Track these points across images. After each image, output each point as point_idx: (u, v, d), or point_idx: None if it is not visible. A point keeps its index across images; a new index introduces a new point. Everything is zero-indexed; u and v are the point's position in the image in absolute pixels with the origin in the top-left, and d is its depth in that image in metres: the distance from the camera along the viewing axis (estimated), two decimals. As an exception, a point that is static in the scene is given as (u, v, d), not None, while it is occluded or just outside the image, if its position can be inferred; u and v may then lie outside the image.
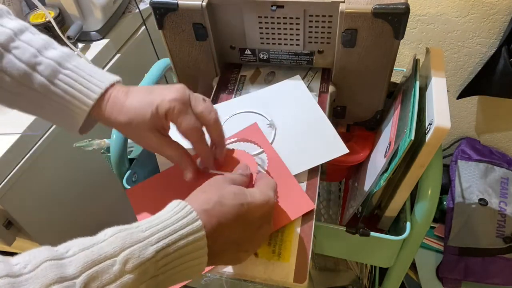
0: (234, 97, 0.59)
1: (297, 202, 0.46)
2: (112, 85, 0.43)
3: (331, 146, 0.51)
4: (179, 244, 0.31)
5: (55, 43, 0.44)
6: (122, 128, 0.43)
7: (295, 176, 0.49)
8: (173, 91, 0.41)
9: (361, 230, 0.53)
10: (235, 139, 0.51)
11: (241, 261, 0.39)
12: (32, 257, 0.28)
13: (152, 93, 0.42)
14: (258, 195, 0.38)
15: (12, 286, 0.26)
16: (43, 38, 0.43)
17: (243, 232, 0.36)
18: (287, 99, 0.57)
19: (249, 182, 0.43)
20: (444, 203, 1.01)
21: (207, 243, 0.33)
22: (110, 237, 0.30)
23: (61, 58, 0.42)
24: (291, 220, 0.45)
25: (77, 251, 0.29)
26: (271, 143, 0.52)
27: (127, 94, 0.43)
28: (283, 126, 0.53)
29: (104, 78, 0.43)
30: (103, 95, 0.42)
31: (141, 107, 0.41)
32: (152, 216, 0.33)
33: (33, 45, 0.41)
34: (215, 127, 0.43)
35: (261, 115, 0.55)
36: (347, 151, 0.50)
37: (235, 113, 0.56)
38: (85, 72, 0.43)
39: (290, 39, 0.57)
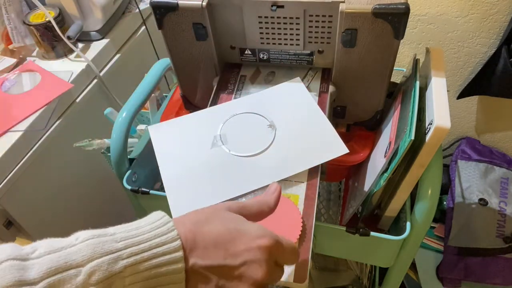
0: (234, 97, 0.59)
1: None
2: None
3: (331, 146, 0.51)
4: (151, 262, 0.28)
5: None
6: None
7: (295, 175, 0.49)
8: None
9: (361, 230, 0.53)
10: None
11: None
12: None
13: None
14: (254, 228, 0.33)
15: None
16: None
17: (222, 260, 0.31)
18: (287, 100, 0.57)
19: (266, 214, 0.37)
20: (444, 203, 1.01)
21: (184, 267, 0.29)
22: (81, 243, 0.28)
23: None
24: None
25: (43, 253, 0.27)
26: (271, 143, 0.52)
27: None
28: (283, 126, 0.53)
29: None
30: None
31: None
32: (129, 225, 0.31)
33: None
34: None
35: (261, 116, 0.55)
36: (347, 151, 0.50)
37: (235, 113, 0.56)
38: None
39: (290, 39, 0.57)
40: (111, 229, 0.30)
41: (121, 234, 0.29)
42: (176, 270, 0.29)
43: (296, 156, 0.50)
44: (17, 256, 0.26)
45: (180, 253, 0.29)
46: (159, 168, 0.51)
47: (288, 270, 0.42)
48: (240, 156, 0.51)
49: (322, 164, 0.50)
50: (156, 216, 0.31)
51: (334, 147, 0.51)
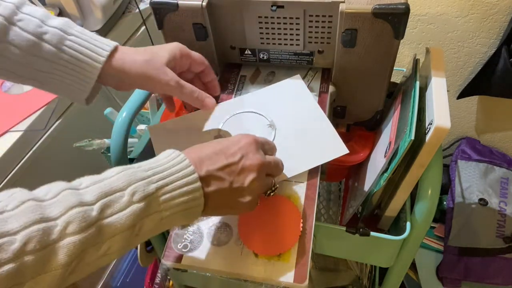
0: (234, 97, 0.59)
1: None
2: (116, 47, 0.48)
3: (331, 146, 0.51)
4: (175, 184, 0.35)
5: (52, 15, 0.47)
6: (139, 67, 0.46)
7: (295, 175, 0.49)
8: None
9: (361, 230, 0.53)
10: None
11: (238, 207, 0.41)
12: (51, 187, 0.32)
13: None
14: (236, 136, 0.43)
15: (39, 206, 0.29)
16: (41, 9, 0.46)
17: (225, 161, 0.39)
18: (287, 99, 0.57)
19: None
20: (444, 203, 1.01)
21: (200, 185, 0.37)
22: (117, 174, 0.34)
23: (64, 25, 0.45)
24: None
25: (90, 184, 0.33)
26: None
27: (133, 48, 0.49)
28: (283, 126, 0.53)
29: (107, 41, 0.48)
30: (112, 53, 0.47)
31: (157, 49, 0.48)
32: (149, 160, 0.37)
33: (35, 16, 0.44)
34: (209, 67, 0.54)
35: (261, 115, 0.55)
36: (347, 151, 0.50)
37: (235, 113, 0.56)
38: (89, 36, 0.47)
39: (290, 39, 0.57)
40: (135, 164, 0.36)
41: (146, 166, 0.36)
42: (195, 189, 0.36)
43: (296, 156, 0.50)
44: (71, 187, 0.32)
45: (196, 175, 0.37)
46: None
47: (289, 271, 0.42)
48: (240, 156, 0.51)
49: (322, 164, 0.50)
50: (169, 152, 0.39)
51: (334, 147, 0.51)
